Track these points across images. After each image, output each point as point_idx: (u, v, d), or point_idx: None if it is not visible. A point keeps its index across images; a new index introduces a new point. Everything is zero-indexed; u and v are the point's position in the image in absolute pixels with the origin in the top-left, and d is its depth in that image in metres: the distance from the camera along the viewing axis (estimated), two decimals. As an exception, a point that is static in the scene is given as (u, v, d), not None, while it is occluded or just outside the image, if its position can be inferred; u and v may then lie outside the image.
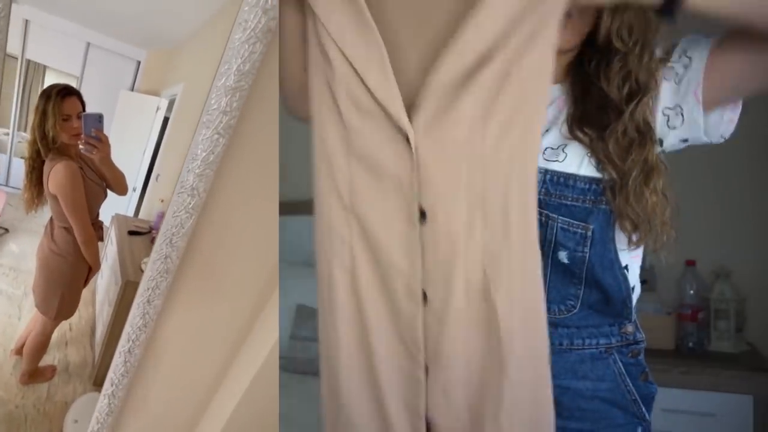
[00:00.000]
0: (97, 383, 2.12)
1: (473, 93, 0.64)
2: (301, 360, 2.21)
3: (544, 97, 0.69)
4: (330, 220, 0.75)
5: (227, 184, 0.97)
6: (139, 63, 4.05)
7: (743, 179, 1.92)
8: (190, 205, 0.96)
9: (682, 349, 1.84)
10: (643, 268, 0.92)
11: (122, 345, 1.14)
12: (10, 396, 2.02)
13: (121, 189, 2.09)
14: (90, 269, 1.96)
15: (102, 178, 1.90)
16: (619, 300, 0.85)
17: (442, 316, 0.68)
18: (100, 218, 2.09)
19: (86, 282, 2.00)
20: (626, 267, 0.86)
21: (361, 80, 0.67)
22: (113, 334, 1.98)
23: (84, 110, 1.87)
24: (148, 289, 1.03)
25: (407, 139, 0.65)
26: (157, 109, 3.54)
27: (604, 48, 0.78)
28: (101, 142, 1.76)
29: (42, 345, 2.01)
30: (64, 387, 2.15)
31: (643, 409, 0.88)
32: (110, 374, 1.18)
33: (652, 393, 0.90)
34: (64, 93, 1.81)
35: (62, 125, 1.81)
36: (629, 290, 0.86)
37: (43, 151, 1.84)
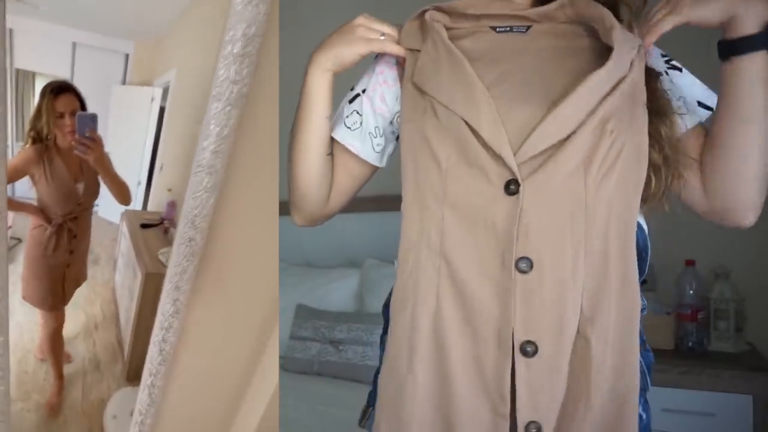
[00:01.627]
0: (130, 378, 2.14)
1: (576, 144, 0.68)
2: (300, 360, 2.21)
3: (640, 148, 0.71)
4: (418, 263, 0.75)
5: (245, 158, 0.92)
6: (127, 56, 4.01)
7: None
8: (209, 184, 0.91)
9: (682, 349, 1.84)
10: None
11: (156, 334, 1.11)
12: (44, 399, 2.02)
13: (123, 197, 2.02)
14: (68, 264, 1.93)
15: (106, 181, 1.87)
16: (641, 237, 0.82)
17: (555, 365, 0.70)
18: (106, 216, 2.03)
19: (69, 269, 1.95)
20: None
21: (472, 131, 0.71)
22: (140, 328, 2.02)
23: (83, 106, 1.85)
24: (175, 274, 0.99)
25: (507, 187, 0.69)
26: (152, 99, 3.53)
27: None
28: (95, 143, 1.75)
29: (49, 339, 1.99)
30: (98, 385, 2.16)
31: (648, 378, 0.86)
32: (147, 365, 1.15)
33: (651, 361, 0.88)
34: (58, 90, 1.79)
35: (56, 123, 1.79)
36: (646, 242, 0.83)
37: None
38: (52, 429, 1.93)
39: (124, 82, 3.91)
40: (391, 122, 0.89)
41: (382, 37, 0.84)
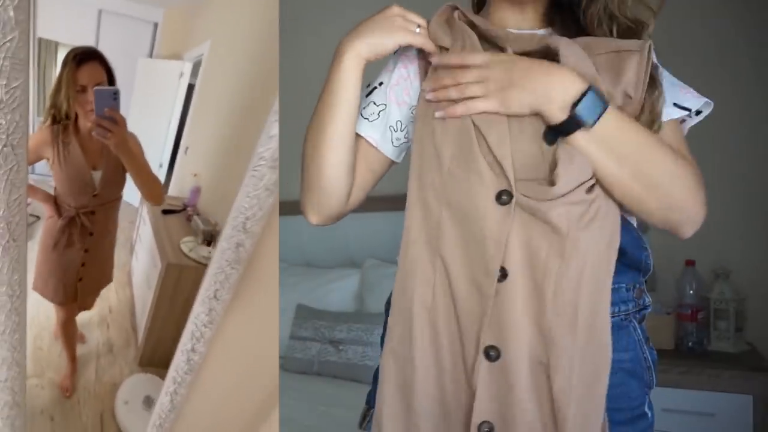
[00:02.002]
0: (142, 363, 2.13)
1: (571, 199, 0.71)
2: (300, 360, 2.21)
3: (616, 208, 0.75)
4: (416, 257, 0.78)
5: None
6: (156, 25, 3.76)
7: (743, 179, 1.92)
8: (270, 181, 0.80)
9: (682, 349, 1.84)
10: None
11: (185, 343, 1.02)
12: (58, 377, 2.03)
13: (152, 195, 1.71)
14: (83, 263, 1.76)
15: (131, 172, 1.61)
16: (637, 256, 0.83)
17: (511, 371, 0.72)
18: (125, 197, 1.86)
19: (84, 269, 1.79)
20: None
21: (483, 137, 0.74)
22: (156, 317, 1.99)
23: (110, 79, 1.59)
24: (216, 282, 0.89)
25: (499, 197, 0.72)
26: (181, 74, 3.28)
27: None
28: (116, 124, 1.46)
29: (61, 326, 1.90)
30: (111, 368, 2.16)
31: (654, 375, 0.87)
32: (172, 373, 1.08)
33: (656, 358, 0.88)
34: (81, 58, 1.53)
35: (77, 98, 1.54)
36: (641, 239, 0.84)
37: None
38: (66, 408, 1.92)
39: (151, 55, 3.63)
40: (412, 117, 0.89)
41: (418, 30, 0.83)
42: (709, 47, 1.96)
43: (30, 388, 1.85)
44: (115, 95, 1.44)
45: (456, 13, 0.83)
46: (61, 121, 1.57)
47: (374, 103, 0.89)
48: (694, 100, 0.83)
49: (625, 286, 0.83)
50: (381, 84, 0.90)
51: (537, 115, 0.74)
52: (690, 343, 1.83)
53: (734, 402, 1.65)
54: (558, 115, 0.72)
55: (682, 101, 0.82)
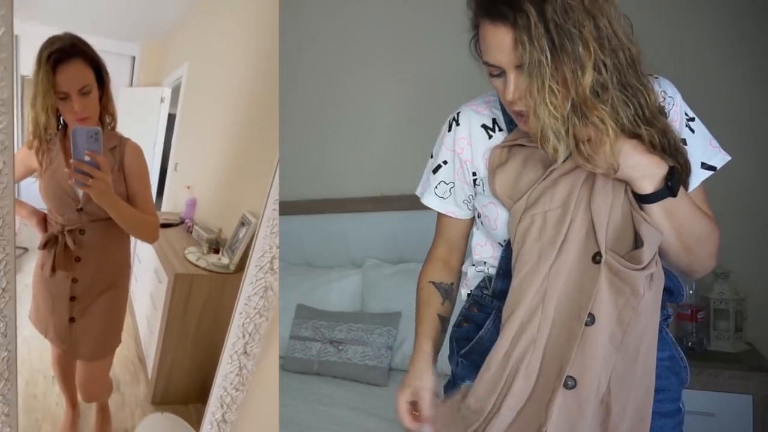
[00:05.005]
0: (156, 401, 1.87)
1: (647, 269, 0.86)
2: (300, 360, 2.21)
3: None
4: (528, 305, 0.89)
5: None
6: (134, 58, 3.94)
7: (742, 179, 1.92)
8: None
9: (682, 349, 1.83)
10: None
11: (213, 412, 0.91)
12: (56, 425, 1.71)
13: (145, 236, 1.49)
14: (73, 297, 1.48)
15: (120, 223, 1.40)
16: (677, 290, 0.97)
17: (582, 398, 0.85)
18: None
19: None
20: None
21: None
22: (168, 339, 1.81)
23: (100, 77, 1.38)
24: (244, 335, 0.78)
25: (594, 259, 0.85)
26: (162, 99, 3.44)
27: None
28: (97, 170, 1.24)
29: (54, 362, 1.67)
30: (120, 412, 1.84)
31: (689, 374, 1.01)
32: None
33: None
34: (57, 57, 1.27)
35: (61, 107, 1.33)
36: (681, 281, 0.99)
37: (35, 144, 1.38)
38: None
39: (131, 85, 3.82)
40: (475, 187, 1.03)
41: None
42: (710, 47, 1.96)
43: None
44: (96, 135, 1.24)
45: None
46: (41, 137, 1.37)
47: (444, 182, 1.04)
48: (720, 156, 0.94)
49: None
50: (446, 162, 1.03)
51: (624, 192, 0.86)
52: (690, 343, 1.83)
53: (734, 402, 1.65)
54: (647, 186, 0.83)
55: (709, 158, 0.93)
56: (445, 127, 1.04)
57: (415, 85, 2.46)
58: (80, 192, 1.40)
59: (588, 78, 0.77)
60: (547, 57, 0.77)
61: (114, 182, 1.31)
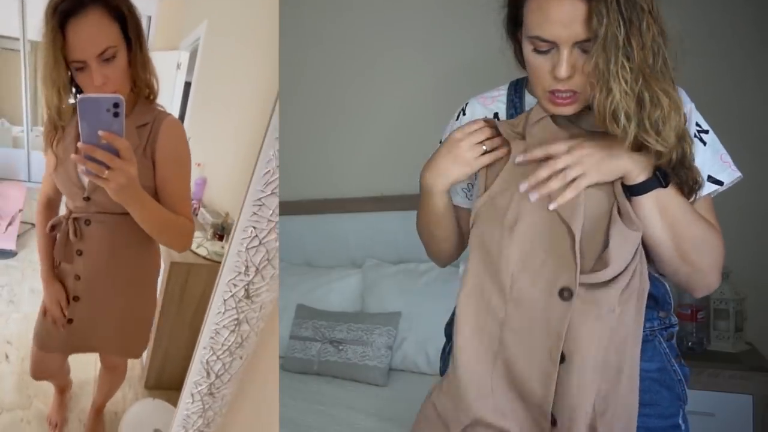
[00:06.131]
0: (149, 385, 1.81)
1: (622, 279, 0.82)
2: (300, 360, 2.21)
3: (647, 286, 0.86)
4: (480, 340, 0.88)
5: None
6: (149, 18, 3.72)
7: (743, 179, 1.92)
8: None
9: (682, 349, 1.83)
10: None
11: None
12: (48, 407, 1.66)
13: (177, 244, 1.21)
14: (77, 298, 1.33)
15: (143, 226, 1.12)
16: (662, 298, 0.95)
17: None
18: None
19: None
20: None
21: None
22: (163, 328, 1.74)
23: (128, 34, 1.07)
24: (209, 374, 0.70)
25: (562, 295, 0.82)
26: (178, 65, 3.25)
27: None
28: (117, 159, 0.92)
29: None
30: None
31: (685, 389, 0.95)
32: None
33: (687, 373, 0.96)
34: (66, 9, 0.97)
35: (79, 78, 1.05)
36: (668, 288, 0.97)
37: (48, 137, 1.16)
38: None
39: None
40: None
41: (485, 149, 0.92)
42: (709, 46, 1.96)
43: (14, 424, 1.56)
44: (116, 108, 0.89)
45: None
46: (55, 123, 1.15)
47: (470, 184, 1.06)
48: (729, 172, 0.92)
49: (648, 309, 0.90)
50: None
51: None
52: (690, 343, 1.83)
53: (734, 402, 1.64)
54: (640, 176, 0.82)
55: (717, 172, 0.92)
56: (454, 116, 1.06)
57: (415, 85, 2.46)
58: (85, 178, 1.17)
59: (650, 55, 0.77)
60: (620, 30, 0.75)
61: (139, 172, 0.98)
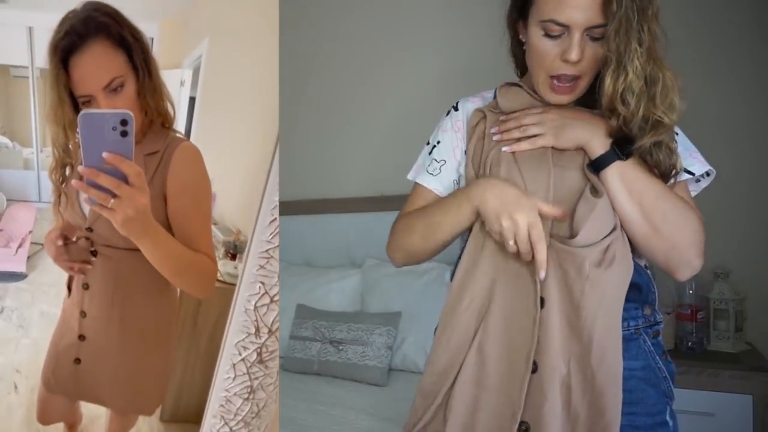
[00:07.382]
0: (165, 418, 1.69)
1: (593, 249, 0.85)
2: (300, 360, 2.21)
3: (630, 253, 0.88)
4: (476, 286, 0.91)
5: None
6: (152, 40, 3.79)
7: (742, 179, 1.92)
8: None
9: (682, 349, 1.84)
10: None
11: None
12: None
13: (195, 285, 1.05)
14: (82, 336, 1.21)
15: (155, 265, 0.99)
16: (646, 287, 0.94)
17: (545, 380, 0.84)
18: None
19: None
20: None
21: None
22: (175, 356, 1.54)
23: (134, 61, 1.00)
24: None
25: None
26: (182, 83, 3.26)
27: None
28: (125, 186, 0.80)
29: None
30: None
31: (672, 386, 0.95)
32: None
33: (673, 371, 0.97)
34: (67, 45, 0.92)
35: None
36: (651, 277, 0.96)
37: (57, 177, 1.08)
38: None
39: None
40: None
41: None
42: (710, 45, 1.96)
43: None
44: (124, 125, 0.77)
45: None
46: (62, 161, 1.07)
47: (435, 160, 1.05)
48: (699, 165, 0.94)
49: (634, 305, 0.93)
50: (439, 142, 1.05)
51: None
52: (690, 343, 1.83)
53: (734, 402, 1.65)
54: (599, 149, 0.87)
55: (688, 165, 0.93)
56: (444, 114, 1.08)
57: (415, 85, 2.47)
58: (86, 209, 1.05)
59: (654, 39, 0.83)
60: (634, 15, 0.81)
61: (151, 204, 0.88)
